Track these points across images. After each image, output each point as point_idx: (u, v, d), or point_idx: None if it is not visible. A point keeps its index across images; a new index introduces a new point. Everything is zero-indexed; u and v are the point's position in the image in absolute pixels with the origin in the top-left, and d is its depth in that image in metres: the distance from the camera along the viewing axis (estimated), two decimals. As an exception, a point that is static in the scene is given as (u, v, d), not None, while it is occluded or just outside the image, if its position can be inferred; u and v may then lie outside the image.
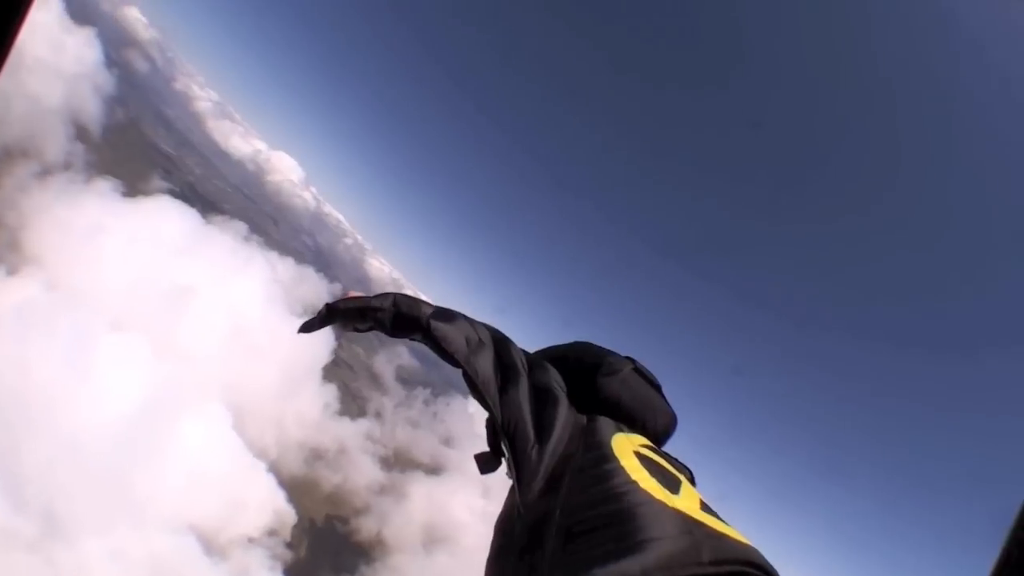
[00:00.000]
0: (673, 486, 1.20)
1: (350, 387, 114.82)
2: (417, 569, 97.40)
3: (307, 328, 1.67)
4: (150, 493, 58.70)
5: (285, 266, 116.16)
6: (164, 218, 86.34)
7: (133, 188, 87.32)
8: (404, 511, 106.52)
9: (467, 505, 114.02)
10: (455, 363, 1.51)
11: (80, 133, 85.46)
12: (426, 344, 1.56)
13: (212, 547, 63.58)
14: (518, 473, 1.29)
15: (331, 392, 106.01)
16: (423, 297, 1.72)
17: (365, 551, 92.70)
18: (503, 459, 1.50)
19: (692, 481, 1.34)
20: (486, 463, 1.59)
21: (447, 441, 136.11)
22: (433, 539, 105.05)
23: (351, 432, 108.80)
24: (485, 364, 1.48)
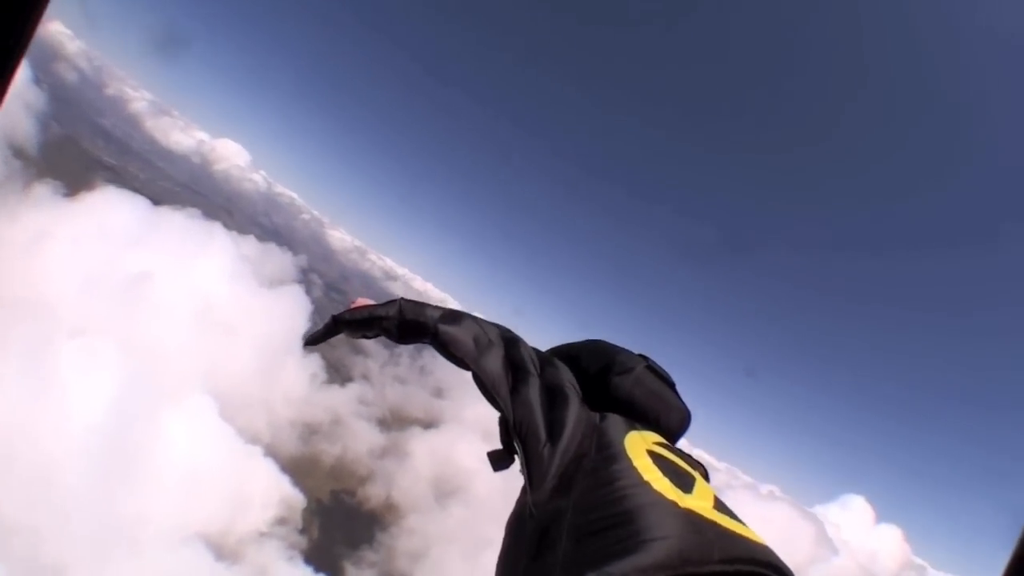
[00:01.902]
0: (686, 485, 1.20)
1: (332, 357, 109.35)
2: (434, 525, 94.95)
3: (313, 341, 1.61)
4: (142, 509, 52.74)
5: (248, 244, 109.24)
6: (112, 210, 78.45)
7: (75, 187, 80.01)
8: (409, 470, 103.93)
9: (471, 452, 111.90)
10: (464, 366, 1.50)
11: (17, 153, 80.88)
12: (434, 347, 1.54)
13: (223, 551, 58.58)
14: (530, 473, 1.29)
15: (315, 362, 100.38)
16: (427, 299, 1.72)
17: (378, 518, 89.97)
18: (516, 457, 1.47)
19: (706, 478, 1.32)
20: (499, 461, 1.56)
21: (438, 393, 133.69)
22: (444, 492, 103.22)
23: (342, 399, 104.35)
24: (495, 364, 1.48)
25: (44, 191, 74.98)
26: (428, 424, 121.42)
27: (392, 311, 1.53)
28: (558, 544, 1.11)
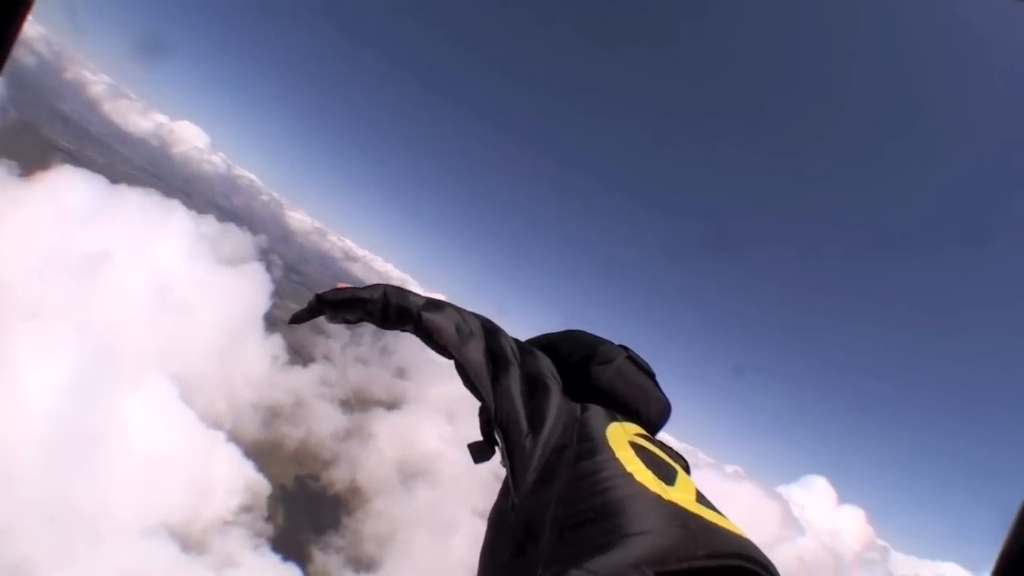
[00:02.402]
0: (669, 477, 1.21)
1: (294, 338, 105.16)
2: (400, 508, 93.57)
3: (297, 319, 1.65)
4: (102, 500, 49.68)
5: (207, 223, 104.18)
6: (68, 189, 73.04)
7: (30, 168, 74.35)
8: (373, 452, 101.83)
9: (435, 434, 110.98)
10: (447, 354, 1.52)
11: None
12: (417, 335, 1.56)
13: (188, 542, 56.17)
14: (512, 464, 1.30)
15: (277, 343, 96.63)
16: (411, 287, 1.71)
17: (344, 503, 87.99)
18: (496, 448, 1.51)
19: (687, 470, 1.35)
20: (479, 452, 1.59)
21: (401, 373, 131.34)
22: (409, 474, 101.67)
23: (305, 381, 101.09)
24: (476, 353, 1.50)
25: None
26: (391, 405, 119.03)
27: (376, 295, 1.55)
28: (541, 537, 1.11)
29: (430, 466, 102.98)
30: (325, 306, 1.57)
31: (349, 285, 1.61)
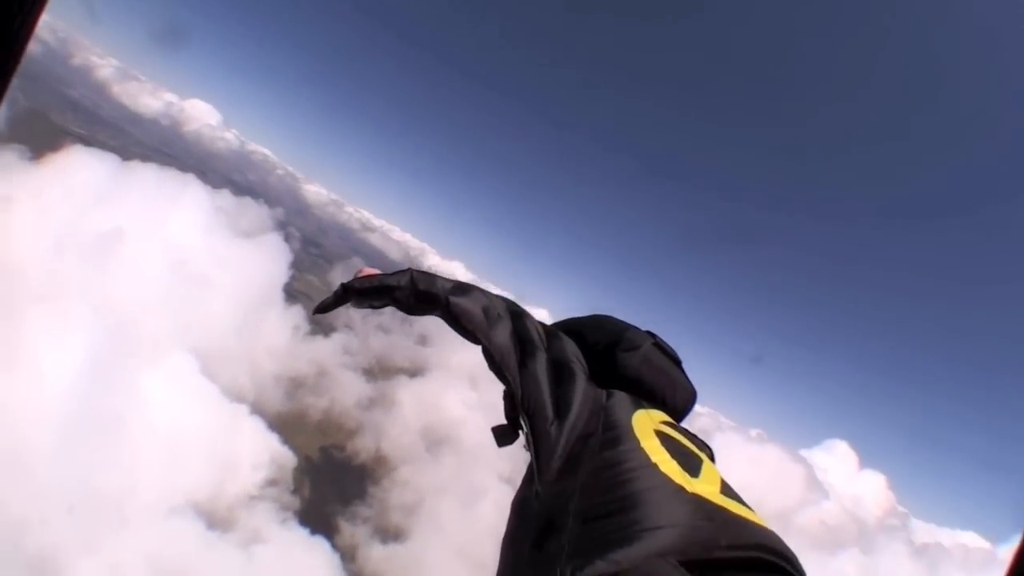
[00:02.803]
0: (693, 468, 1.22)
1: (314, 303, 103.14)
2: (426, 476, 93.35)
3: (322, 308, 1.64)
4: (126, 481, 49.04)
5: (222, 197, 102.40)
6: (80, 169, 71.04)
7: (41, 151, 72.53)
8: (398, 420, 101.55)
9: (459, 400, 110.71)
10: (474, 339, 1.53)
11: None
12: (444, 319, 1.56)
13: (214, 519, 55.75)
14: (537, 451, 1.30)
15: (298, 314, 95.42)
16: (438, 271, 1.70)
17: (369, 472, 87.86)
18: (521, 432, 1.50)
19: (712, 459, 1.35)
20: (503, 436, 1.59)
21: (422, 340, 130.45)
22: (434, 441, 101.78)
23: (327, 350, 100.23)
24: (503, 337, 1.50)
25: (9, 156, 68.89)
26: (414, 373, 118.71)
27: (403, 281, 1.55)
28: (564, 527, 1.12)
29: (455, 433, 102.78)
30: (351, 294, 1.56)
31: (374, 271, 1.59)
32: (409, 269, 1.57)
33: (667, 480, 1.15)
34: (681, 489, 1.14)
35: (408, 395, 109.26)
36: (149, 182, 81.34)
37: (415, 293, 1.53)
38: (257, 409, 74.08)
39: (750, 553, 1.06)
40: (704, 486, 1.17)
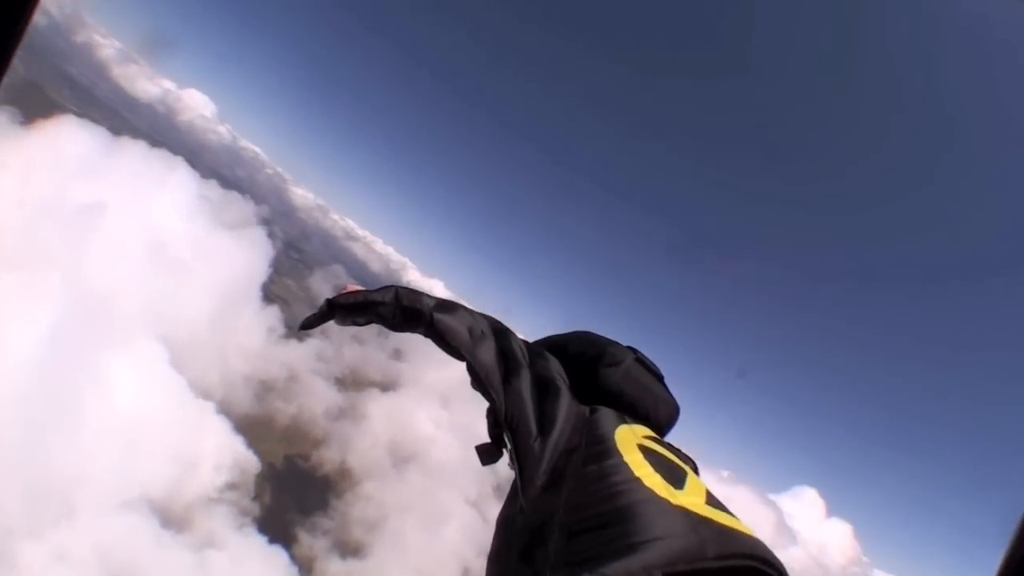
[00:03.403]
0: (678, 480, 1.22)
1: (291, 310, 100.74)
2: (391, 492, 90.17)
3: (308, 325, 1.60)
4: (78, 467, 45.90)
5: (210, 187, 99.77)
6: (69, 138, 68.77)
7: (32, 116, 69.82)
8: (366, 433, 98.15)
9: (429, 418, 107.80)
10: (458, 356, 1.52)
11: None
12: (429, 337, 1.56)
13: (169, 518, 52.46)
14: (520, 467, 1.30)
15: (273, 315, 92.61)
16: (423, 288, 1.69)
17: (332, 484, 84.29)
18: (505, 450, 1.50)
19: (696, 472, 1.36)
20: (487, 454, 1.57)
21: (397, 355, 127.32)
22: (401, 458, 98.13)
23: (300, 355, 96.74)
24: (488, 355, 1.50)
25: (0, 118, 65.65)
26: (386, 387, 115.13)
27: (388, 297, 1.53)
28: (549, 543, 1.12)
29: (423, 451, 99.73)
30: (336, 310, 1.53)
31: (359, 287, 1.57)
32: (394, 285, 1.55)
33: (651, 493, 1.14)
34: (666, 502, 1.13)
35: (378, 409, 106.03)
36: (137, 159, 78.93)
37: (400, 309, 1.51)
38: (224, 408, 70.96)
39: (738, 562, 1.05)
40: (689, 498, 1.16)
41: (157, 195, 77.01)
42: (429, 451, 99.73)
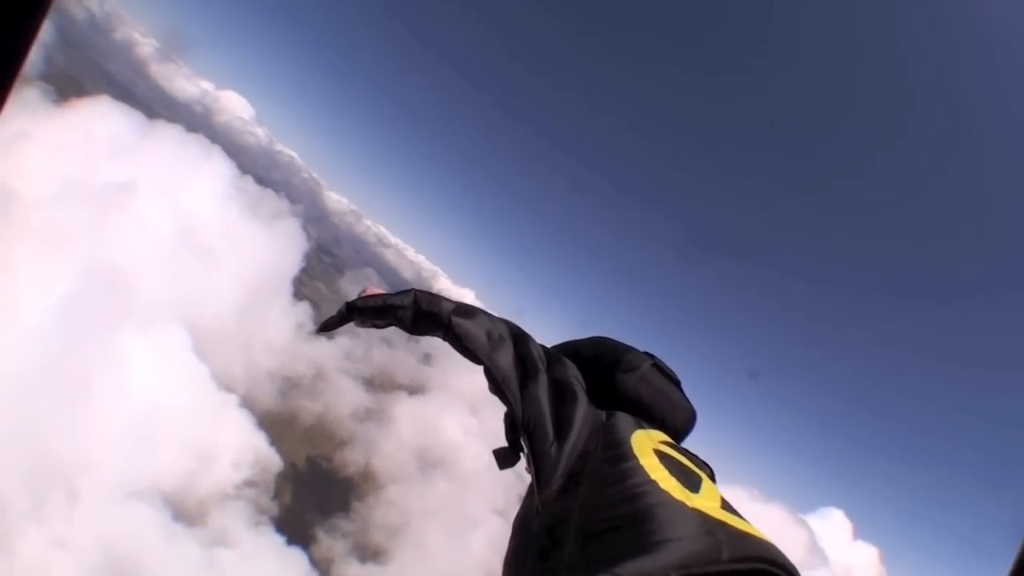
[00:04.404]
0: (693, 485, 1.23)
1: (322, 307, 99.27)
2: (415, 498, 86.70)
3: (326, 327, 1.66)
4: (86, 451, 43.62)
5: (246, 182, 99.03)
6: (103, 118, 68.38)
7: (66, 94, 70.52)
8: (392, 437, 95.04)
9: (458, 424, 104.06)
10: (476, 360, 1.56)
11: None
12: (447, 341, 1.60)
13: (182, 511, 49.82)
14: (537, 471, 1.33)
15: (303, 311, 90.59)
16: (443, 293, 1.74)
17: (355, 486, 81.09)
18: (522, 454, 1.54)
19: (712, 478, 1.37)
20: (504, 458, 1.63)
21: (426, 359, 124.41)
22: (427, 463, 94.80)
23: (328, 353, 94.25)
24: (506, 360, 1.54)
25: (33, 93, 64.57)
26: (414, 390, 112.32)
27: (407, 301, 1.57)
28: (565, 544, 1.14)
29: (450, 457, 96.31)
30: (355, 313, 1.57)
31: (379, 291, 1.62)
32: (412, 289, 1.57)
33: (667, 496, 1.16)
34: (682, 504, 1.15)
35: (406, 412, 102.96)
36: (172, 143, 77.92)
37: (418, 313, 1.55)
38: (247, 403, 68.56)
39: (752, 565, 1.06)
40: (704, 502, 1.17)
41: (191, 180, 76.09)
42: (456, 457, 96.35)
